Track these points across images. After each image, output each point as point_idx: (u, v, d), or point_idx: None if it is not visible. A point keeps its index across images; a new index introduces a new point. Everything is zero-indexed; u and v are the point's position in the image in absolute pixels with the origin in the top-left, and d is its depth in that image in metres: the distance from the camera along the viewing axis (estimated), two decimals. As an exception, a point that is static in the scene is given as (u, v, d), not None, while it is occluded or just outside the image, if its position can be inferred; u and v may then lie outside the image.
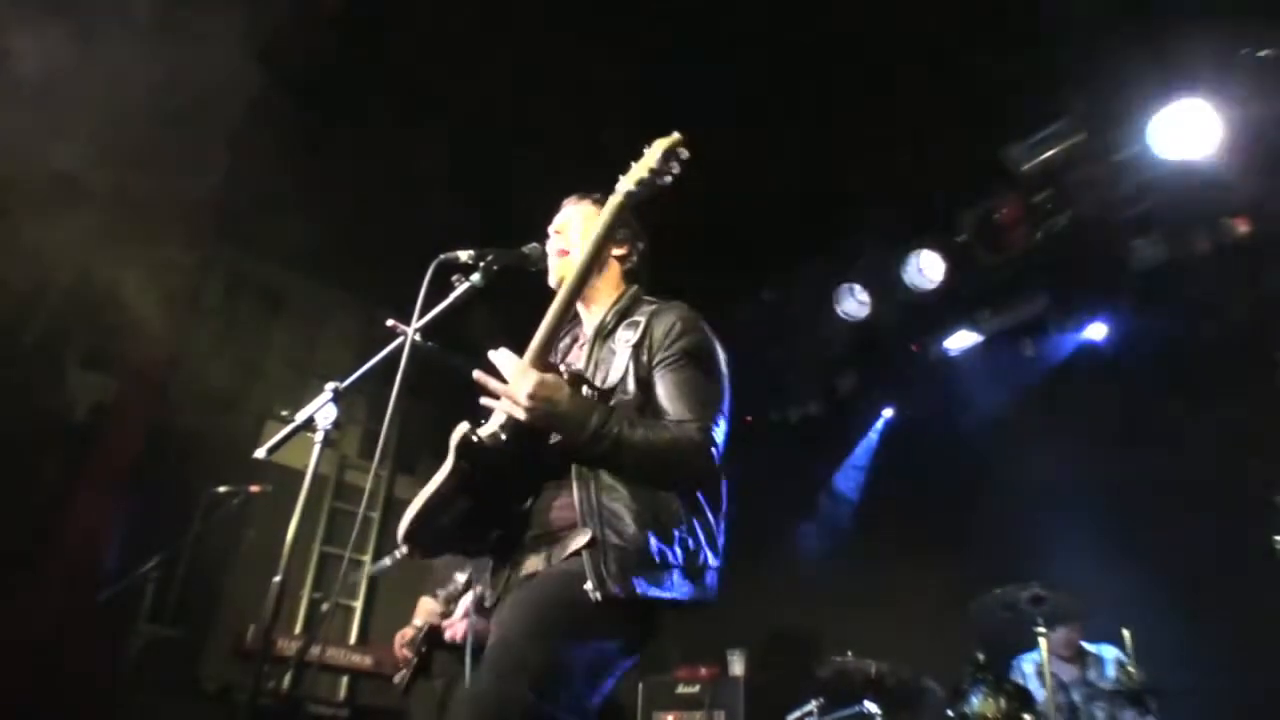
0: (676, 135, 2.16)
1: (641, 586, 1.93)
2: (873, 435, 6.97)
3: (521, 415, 2.04)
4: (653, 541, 1.98)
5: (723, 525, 2.18)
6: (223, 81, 4.21)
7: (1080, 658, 4.88)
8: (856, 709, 4.84)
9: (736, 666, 5.06)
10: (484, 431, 2.15)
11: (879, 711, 4.81)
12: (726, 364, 2.28)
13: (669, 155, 2.15)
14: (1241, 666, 4.46)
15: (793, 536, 6.94)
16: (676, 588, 2.00)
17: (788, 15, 4.22)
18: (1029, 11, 3.98)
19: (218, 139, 4.57)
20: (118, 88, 4.01)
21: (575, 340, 2.46)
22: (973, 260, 5.35)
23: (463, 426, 2.14)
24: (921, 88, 4.32)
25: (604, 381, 2.18)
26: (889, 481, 6.73)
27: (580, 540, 1.98)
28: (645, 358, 2.18)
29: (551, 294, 2.29)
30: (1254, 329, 4.76)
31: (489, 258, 2.54)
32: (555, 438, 2.10)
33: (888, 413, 7.02)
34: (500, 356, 2.13)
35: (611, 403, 2.12)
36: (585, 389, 2.12)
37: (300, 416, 2.46)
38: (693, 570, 2.04)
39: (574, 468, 2.06)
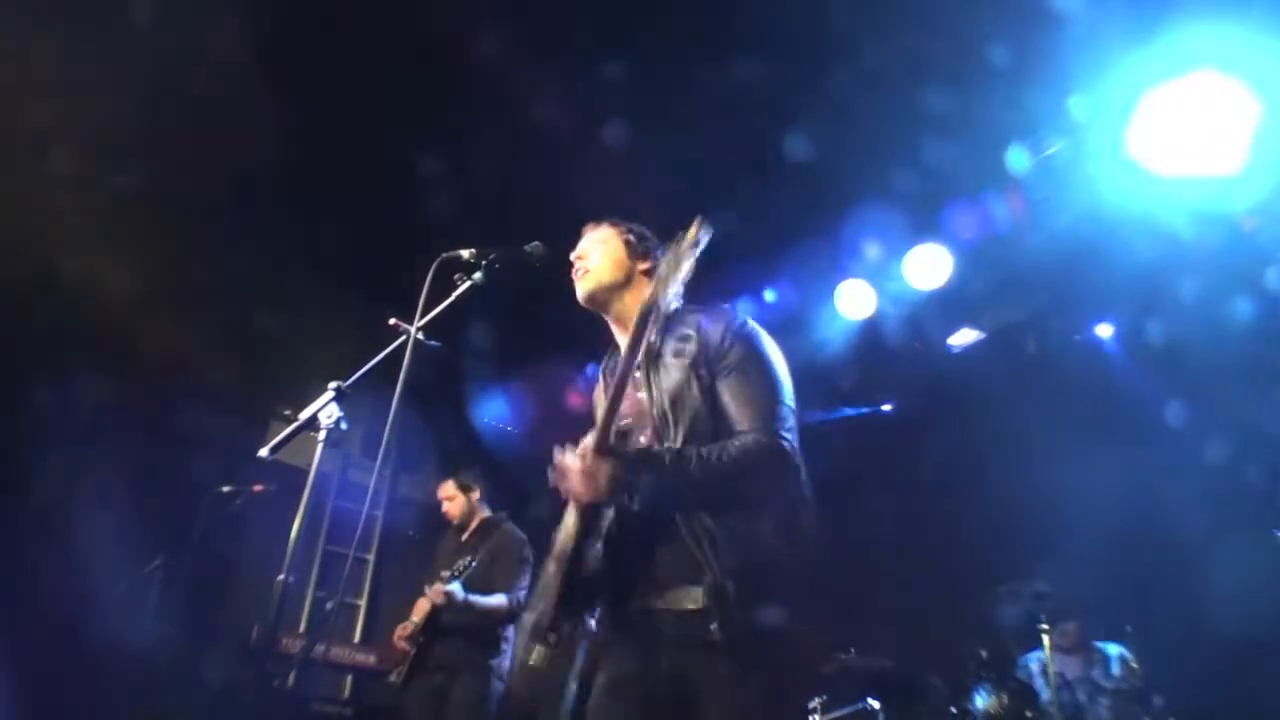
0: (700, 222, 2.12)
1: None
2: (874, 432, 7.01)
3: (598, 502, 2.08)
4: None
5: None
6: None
7: (1086, 655, 4.87)
8: (859, 706, 4.85)
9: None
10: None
11: (881, 708, 4.82)
12: (779, 353, 2.27)
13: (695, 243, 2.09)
14: (1243, 665, 4.46)
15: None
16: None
17: (783, 11, 4.22)
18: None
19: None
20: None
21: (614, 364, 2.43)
22: (976, 257, 5.36)
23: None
24: (924, 83, 4.31)
25: (667, 403, 2.17)
26: (893, 478, 6.73)
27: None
28: (704, 371, 2.17)
29: (562, 296, 2.29)
30: (1256, 331, 4.77)
31: (490, 256, 2.54)
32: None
33: (888, 409, 7.01)
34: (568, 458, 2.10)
35: (678, 426, 2.14)
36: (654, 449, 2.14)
37: (303, 415, 2.46)
38: None
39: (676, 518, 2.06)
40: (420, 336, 2.50)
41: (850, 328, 6.08)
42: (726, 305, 2.31)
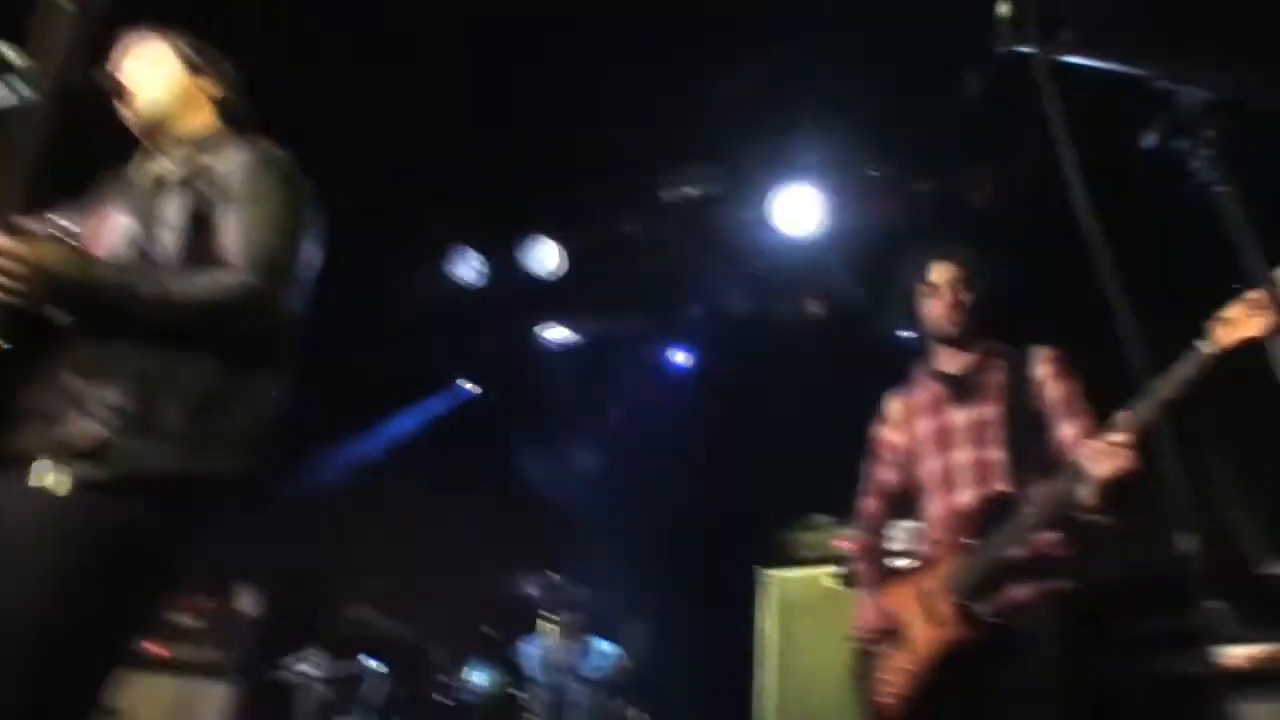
0: None
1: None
2: (443, 402, 7.01)
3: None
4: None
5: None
6: None
7: (580, 646, 5.28)
8: (358, 663, 4.79)
9: (245, 603, 4.70)
10: None
11: (380, 669, 4.80)
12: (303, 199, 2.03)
13: None
14: (710, 667, 5.12)
15: (332, 482, 6.69)
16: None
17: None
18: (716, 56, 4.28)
19: None
20: None
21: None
22: (592, 263, 5.59)
23: None
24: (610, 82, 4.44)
25: (148, 228, 1.88)
26: (448, 448, 6.78)
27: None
28: (196, 200, 1.91)
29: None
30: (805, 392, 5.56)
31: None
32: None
33: (469, 386, 7.07)
34: None
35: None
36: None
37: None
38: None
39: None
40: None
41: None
42: (267, 141, 2.05)
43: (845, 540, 3.11)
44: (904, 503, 2.89)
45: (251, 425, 1.86)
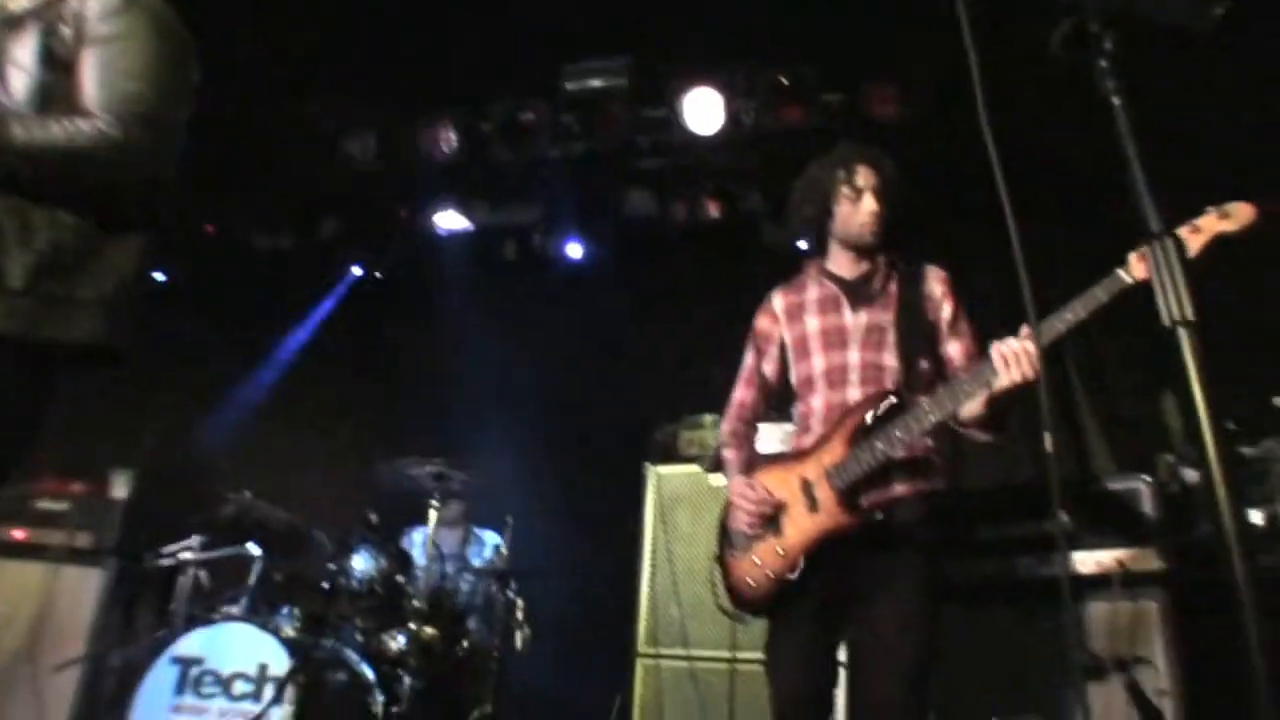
0: None
1: None
2: (333, 287, 6.82)
3: None
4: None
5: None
6: None
7: (465, 535, 5.35)
8: (239, 549, 4.73)
9: (119, 488, 4.56)
10: None
11: (261, 555, 4.76)
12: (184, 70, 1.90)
13: None
14: (592, 559, 5.30)
15: (222, 368, 6.48)
16: None
17: None
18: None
19: None
20: None
21: None
22: (488, 150, 5.43)
23: None
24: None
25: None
26: (337, 333, 6.64)
27: None
28: (51, 40, 1.78)
29: None
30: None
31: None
32: None
33: (357, 270, 6.88)
34: None
35: None
36: None
37: None
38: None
39: None
40: None
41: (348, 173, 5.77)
42: None
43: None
44: (777, 396, 2.92)
45: (110, 292, 1.77)
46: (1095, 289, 2.21)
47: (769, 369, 2.91)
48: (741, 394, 2.95)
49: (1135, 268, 2.14)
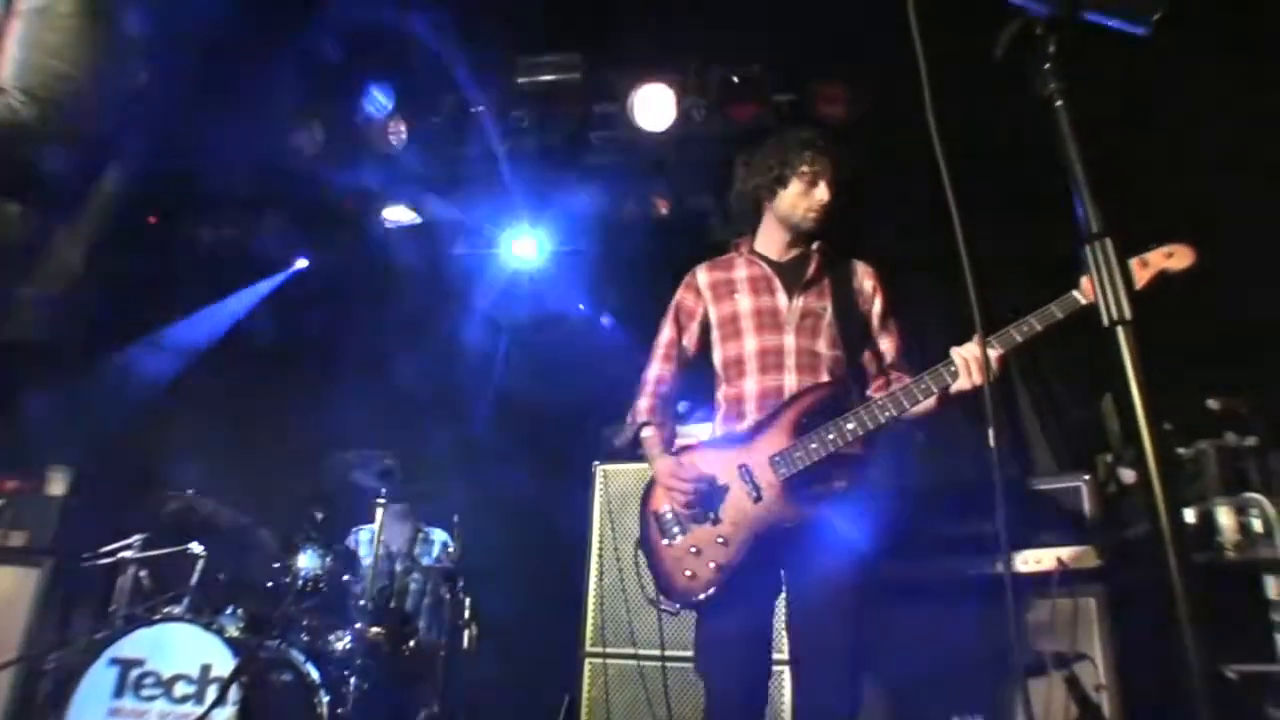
0: None
1: None
2: (277, 281, 6.69)
3: None
4: None
5: None
6: None
7: (413, 533, 5.29)
8: (181, 548, 4.63)
9: (56, 485, 4.43)
10: None
11: (204, 554, 4.67)
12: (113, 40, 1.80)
13: None
14: (540, 557, 5.26)
15: (159, 362, 6.33)
16: None
17: None
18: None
19: None
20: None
21: None
22: (437, 143, 5.38)
23: None
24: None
25: None
26: (281, 328, 6.51)
27: None
28: None
29: None
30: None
31: None
32: None
33: (301, 263, 6.77)
34: None
35: None
36: None
37: None
38: None
39: None
40: None
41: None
42: None
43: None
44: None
45: (55, 288, 1.70)
46: (1052, 306, 2.31)
47: (689, 343, 2.85)
48: (659, 369, 2.85)
49: (1088, 290, 2.20)
